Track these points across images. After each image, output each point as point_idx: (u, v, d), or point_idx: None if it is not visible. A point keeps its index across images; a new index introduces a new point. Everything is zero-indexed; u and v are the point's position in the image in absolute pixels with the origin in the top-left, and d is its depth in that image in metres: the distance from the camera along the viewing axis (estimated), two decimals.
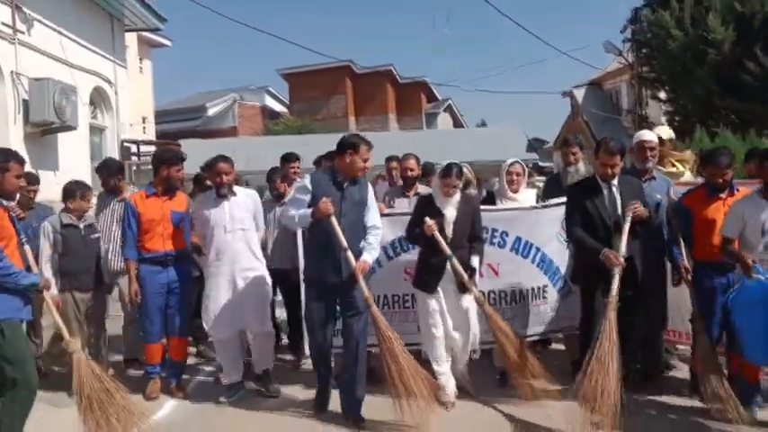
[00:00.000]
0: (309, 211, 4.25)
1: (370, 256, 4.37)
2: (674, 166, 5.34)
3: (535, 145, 22.79)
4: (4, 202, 3.76)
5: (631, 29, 13.87)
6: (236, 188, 4.85)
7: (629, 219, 4.24)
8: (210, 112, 27.55)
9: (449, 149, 18.33)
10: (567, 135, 6.06)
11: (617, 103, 18.86)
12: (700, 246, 4.46)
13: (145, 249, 4.67)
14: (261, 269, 4.85)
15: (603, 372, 3.87)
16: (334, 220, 4.18)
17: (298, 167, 5.84)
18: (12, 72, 7.72)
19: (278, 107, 30.38)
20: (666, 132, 5.46)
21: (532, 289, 5.16)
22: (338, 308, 4.48)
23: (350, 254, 4.20)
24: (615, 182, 4.40)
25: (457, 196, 4.61)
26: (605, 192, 4.38)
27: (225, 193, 4.73)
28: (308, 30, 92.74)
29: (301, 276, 4.68)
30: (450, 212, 4.55)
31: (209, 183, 5.19)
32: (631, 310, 4.36)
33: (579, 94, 19.87)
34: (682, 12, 12.22)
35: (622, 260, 4.18)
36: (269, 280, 4.91)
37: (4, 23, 7.56)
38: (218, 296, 4.77)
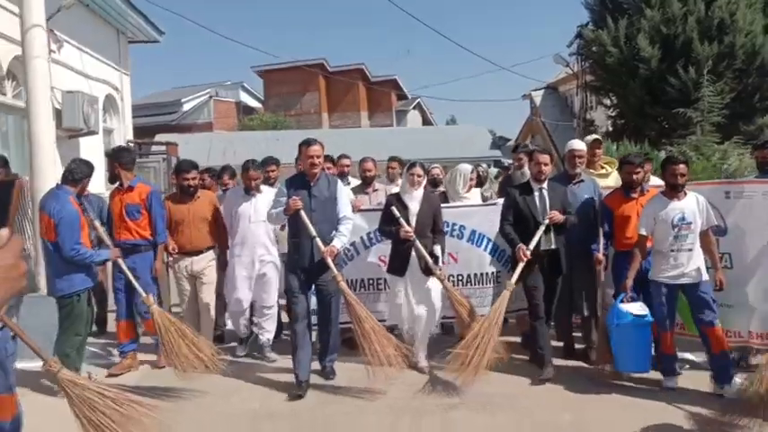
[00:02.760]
0: (282, 209, 4.90)
1: (339, 242, 4.94)
2: (602, 168, 6.12)
3: (499, 143, 24.63)
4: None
5: (577, 44, 16.10)
6: (261, 186, 5.79)
7: (546, 222, 5.02)
8: (186, 107, 28.68)
9: (419, 146, 20.09)
10: (517, 143, 7.54)
11: (571, 105, 21.11)
12: (618, 238, 5.25)
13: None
14: (274, 254, 5.76)
15: (479, 343, 4.66)
16: (303, 213, 4.78)
17: (274, 169, 6.35)
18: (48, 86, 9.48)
19: (253, 103, 31.67)
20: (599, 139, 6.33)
21: (486, 273, 5.96)
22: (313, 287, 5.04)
23: (319, 241, 4.79)
24: (545, 185, 5.20)
25: (420, 192, 5.31)
26: (537, 193, 5.18)
27: (253, 193, 5.70)
28: (282, 26, 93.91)
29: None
30: (414, 206, 5.24)
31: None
32: (556, 293, 5.21)
33: (537, 96, 22.07)
34: (617, 32, 14.39)
35: (528, 254, 4.95)
36: (278, 263, 5.72)
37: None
38: (239, 276, 5.66)
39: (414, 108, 32.65)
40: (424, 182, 5.45)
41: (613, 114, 16.87)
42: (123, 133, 12.53)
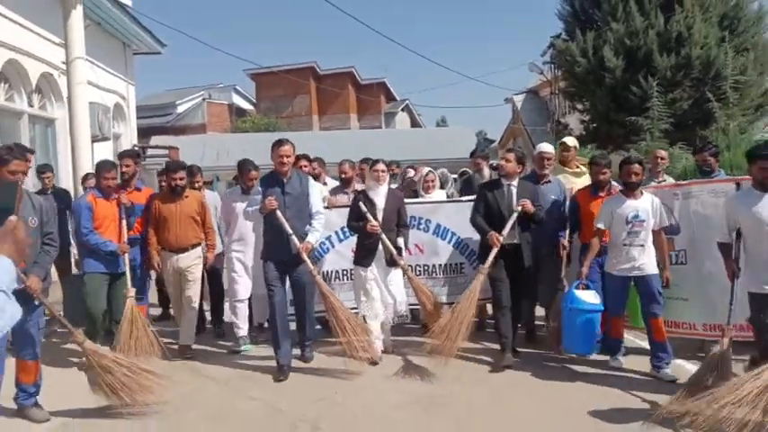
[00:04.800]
0: (258, 207, 5.19)
1: (313, 237, 5.26)
2: (577, 167, 6.46)
3: (484, 144, 26.31)
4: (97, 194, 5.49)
5: (549, 53, 17.60)
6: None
7: (518, 210, 5.32)
8: (180, 109, 29.37)
9: (406, 148, 21.41)
10: (474, 149, 7.78)
11: (549, 109, 22.66)
12: (584, 232, 5.62)
13: None
14: None
15: (456, 324, 5.04)
16: (278, 212, 5.08)
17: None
18: (67, 98, 10.86)
19: (245, 105, 32.51)
20: (572, 141, 6.66)
21: (451, 265, 6.47)
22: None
23: (294, 238, 5.09)
24: (515, 182, 5.50)
25: (385, 188, 5.64)
26: (506, 189, 5.50)
27: (250, 191, 5.90)
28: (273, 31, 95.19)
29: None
30: (380, 202, 5.58)
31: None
32: (519, 285, 5.50)
33: (519, 101, 23.60)
34: (585, 43, 15.89)
35: (501, 240, 5.25)
36: None
37: (63, 62, 10.70)
38: (238, 269, 6.10)
39: (402, 110, 33.98)
40: (388, 177, 5.81)
41: (586, 119, 18.29)
42: (129, 138, 14.00)
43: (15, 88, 9.59)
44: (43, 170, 7.08)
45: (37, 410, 4.39)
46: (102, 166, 5.57)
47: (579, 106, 18.48)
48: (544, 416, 4.35)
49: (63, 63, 10.74)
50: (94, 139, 11.26)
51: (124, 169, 5.92)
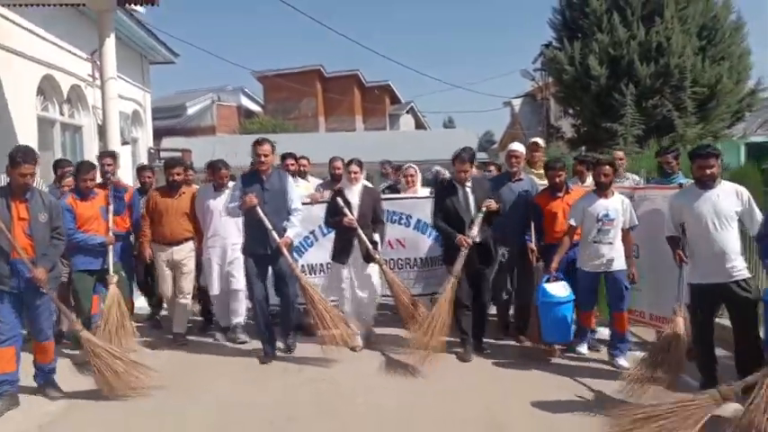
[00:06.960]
0: (238, 203, 5.44)
1: (292, 231, 5.54)
2: (543, 168, 6.47)
3: (485, 146, 27.63)
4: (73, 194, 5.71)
5: (540, 61, 19.00)
6: (230, 183, 6.30)
7: (483, 210, 5.46)
8: (190, 111, 30.38)
9: (410, 149, 22.59)
10: (457, 152, 8.21)
11: (541, 113, 24.07)
12: (548, 232, 5.89)
13: None
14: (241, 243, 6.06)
15: (437, 325, 5.31)
16: (258, 209, 5.32)
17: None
18: (92, 106, 12.39)
19: (253, 107, 33.62)
20: (541, 142, 7.15)
21: (431, 258, 6.86)
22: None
23: (274, 233, 5.33)
24: (468, 183, 5.65)
25: (360, 187, 5.94)
26: (460, 192, 5.65)
27: (222, 190, 6.25)
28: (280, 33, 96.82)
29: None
30: (355, 199, 5.87)
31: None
32: (483, 281, 5.72)
33: (517, 104, 24.93)
34: (572, 52, 17.30)
35: (471, 242, 5.41)
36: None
37: (88, 75, 12.22)
38: (214, 264, 6.28)
39: (407, 112, 35.18)
40: (362, 177, 6.17)
41: (577, 123, 19.69)
42: (146, 141, 15.54)
43: (49, 99, 11.05)
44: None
45: (52, 389, 4.89)
46: (82, 168, 5.74)
47: (570, 111, 19.89)
48: (501, 403, 4.73)
49: (89, 75, 12.31)
50: None
51: (107, 168, 6.20)
